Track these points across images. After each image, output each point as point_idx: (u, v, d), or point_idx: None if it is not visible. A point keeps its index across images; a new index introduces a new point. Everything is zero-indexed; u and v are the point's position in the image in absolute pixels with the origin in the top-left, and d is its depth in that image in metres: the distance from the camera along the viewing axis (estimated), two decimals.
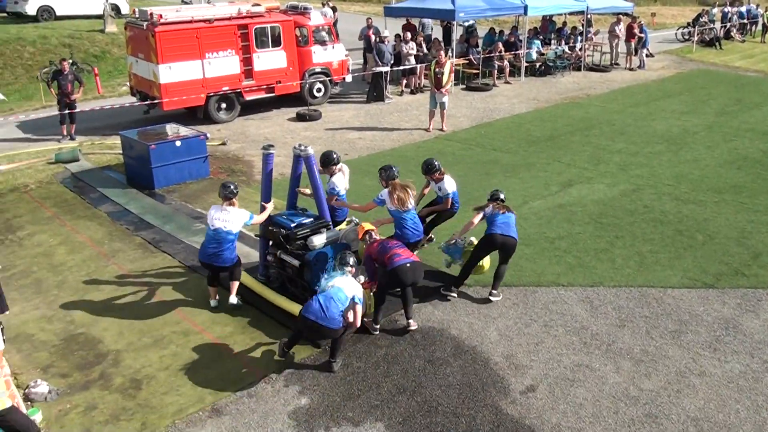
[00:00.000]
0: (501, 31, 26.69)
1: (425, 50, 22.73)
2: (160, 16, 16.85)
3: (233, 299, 8.73)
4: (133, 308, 9.01)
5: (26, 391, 7.24)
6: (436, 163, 10.03)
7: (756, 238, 10.99)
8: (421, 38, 23.28)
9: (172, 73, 16.94)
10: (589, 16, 28.25)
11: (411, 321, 8.33)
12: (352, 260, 7.86)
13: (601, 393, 7.21)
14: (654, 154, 15.56)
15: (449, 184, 10.07)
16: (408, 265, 8.10)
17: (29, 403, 7.08)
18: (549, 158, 15.22)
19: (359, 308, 7.53)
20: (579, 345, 8.06)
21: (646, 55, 28.80)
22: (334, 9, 29.06)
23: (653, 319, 8.63)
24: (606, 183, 13.61)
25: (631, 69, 27.45)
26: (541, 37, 27.35)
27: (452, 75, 17.83)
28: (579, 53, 27.47)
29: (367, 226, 8.85)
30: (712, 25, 36.37)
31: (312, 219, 8.98)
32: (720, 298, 9.17)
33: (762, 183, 13.68)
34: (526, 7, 23.96)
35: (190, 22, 17.26)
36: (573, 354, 7.88)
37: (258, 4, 19.09)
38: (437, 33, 27.52)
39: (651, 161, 15.04)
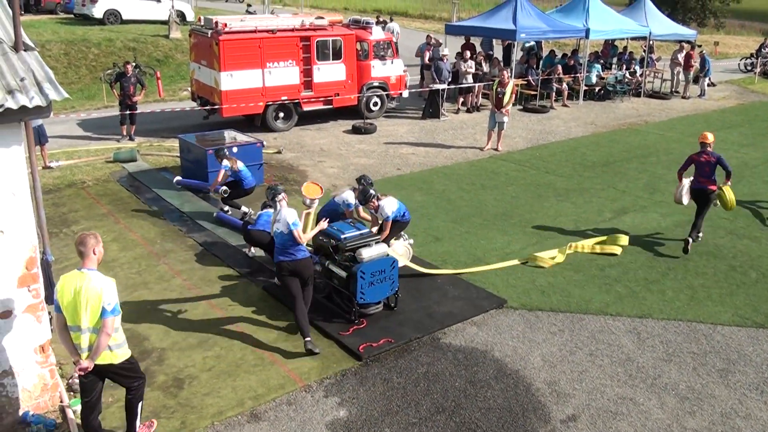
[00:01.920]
0: (564, 54, 26.50)
1: (484, 69, 22.72)
2: (225, 25, 17.23)
3: None
4: (181, 308, 9.19)
5: (70, 381, 7.41)
6: (372, 191, 10.01)
7: None
8: (481, 57, 23.28)
9: (233, 80, 17.27)
10: (651, 42, 27.92)
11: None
12: (279, 188, 9.29)
13: (644, 428, 7.07)
14: None
15: (388, 207, 9.95)
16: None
17: (72, 393, 7.26)
18: (603, 184, 15.04)
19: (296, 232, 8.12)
20: (624, 377, 7.93)
21: (708, 85, 28.29)
22: (384, 23, 29.20)
23: (701, 355, 8.44)
24: (660, 213, 13.39)
25: (684, 97, 26.99)
26: (601, 61, 27.10)
27: (513, 96, 17.78)
28: (639, 79, 27.13)
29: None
30: None
31: (362, 231, 9.04)
32: None
33: None
34: (588, 31, 23.82)
35: (254, 32, 17.59)
36: (617, 386, 7.75)
37: (321, 17, 19.38)
38: (497, 52, 27.48)
39: None
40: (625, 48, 29.45)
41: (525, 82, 23.59)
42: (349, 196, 10.39)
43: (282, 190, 9.40)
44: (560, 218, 12.85)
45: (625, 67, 27.22)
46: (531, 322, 9.04)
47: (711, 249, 11.64)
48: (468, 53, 22.82)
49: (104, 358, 6.04)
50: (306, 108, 18.89)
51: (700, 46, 31.09)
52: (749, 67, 35.60)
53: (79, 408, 6.82)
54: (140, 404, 6.53)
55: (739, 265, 11.06)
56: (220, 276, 10.18)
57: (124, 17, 31.79)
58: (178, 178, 13.60)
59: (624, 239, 11.58)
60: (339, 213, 10.28)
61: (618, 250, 11.29)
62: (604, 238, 11.66)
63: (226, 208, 12.31)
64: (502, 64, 23.31)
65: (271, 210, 9.39)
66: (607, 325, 9.05)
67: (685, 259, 11.13)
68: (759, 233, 12.50)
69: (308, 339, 8.11)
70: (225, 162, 12.09)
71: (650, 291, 10.04)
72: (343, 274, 8.74)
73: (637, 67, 27.27)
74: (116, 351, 6.12)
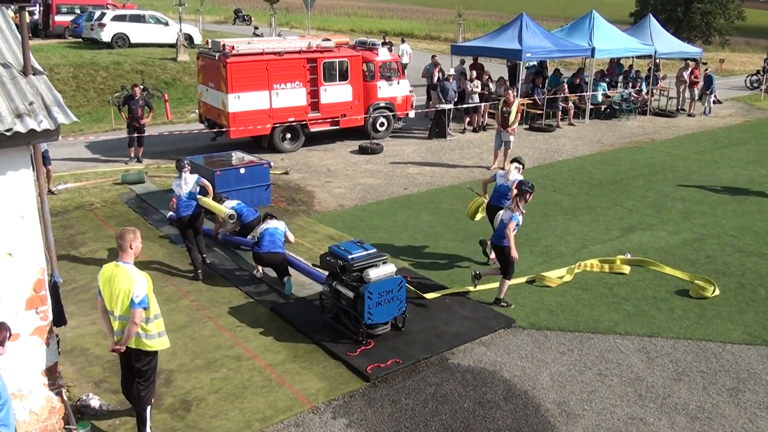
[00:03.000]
0: (574, 73, 26.58)
1: (490, 89, 22.80)
2: (232, 47, 17.37)
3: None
4: (188, 330, 9.19)
5: (77, 403, 7.41)
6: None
7: None
8: (487, 77, 23.37)
9: (240, 102, 17.39)
10: (657, 60, 27.99)
11: None
12: (184, 162, 10.93)
13: None
14: (718, 203, 15.20)
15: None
16: None
17: (80, 415, 7.25)
18: (610, 202, 15.03)
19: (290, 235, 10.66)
20: (634, 397, 7.87)
21: (714, 102, 28.30)
22: (390, 44, 29.36)
23: (711, 374, 8.37)
24: (668, 230, 13.35)
25: (691, 115, 27.02)
26: (607, 79, 27.16)
27: (519, 115, 17.82)
28: (645, 97, 27.16)
29: None
30: None
31: (369, 252, 9.03)
32: None
33: None
34: (593, 50, 23.90)
35: (261, 54, 17.72)
36: (627, 406, 7.70)
37: (328, 39, 19.52)
38: (503, 72, 27.60)
39: (715, 210, 14.69)
40: (631, 66, 29.51)
41: (531, 102, 23.65)
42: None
43: (186, 163, 11.01)
44: (567, 237, 12.83)
45: (630, 85, 27.28)
46: (539, 342, 9.00)
47: (720, 267, 11.59)
48: (474, 73, 22.93)
49: (133, 343, 6.62)
50: (313, 129, 18.98)
51: (705, 63, 31.15)
52: (755, 84, 35.64)
53: (87, 431, 6.87)
54: (149, 409, 6.96)
55: (748, 282, 11.00)
56: (228, 297, 10.19)
57: (132, 41, 32.11)
58: (171, 214, 13.22)
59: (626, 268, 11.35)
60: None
61: (626, 270, 11.24)
62: (613, 259, 11.55)
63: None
64: (507, 83, 23.38)
65: (273, 225, 10.52)
66: (616, 345, 9.00)
67: (694, 277, 11.07)
68: (766, 250, 12.44)
69: (199, 271, 10.81)
70: (182, 178, 11.12)
71: (659, 309, 9.99)
72: (351, 294, 8.73)
73: (643, 86, 27.32)
74: (146, 341, 6.64)
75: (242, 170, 13.76)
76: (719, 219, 14.14)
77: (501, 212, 10.23)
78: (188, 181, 10.82)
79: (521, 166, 11.66)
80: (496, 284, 10.27)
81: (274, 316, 9.55)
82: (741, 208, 14.95)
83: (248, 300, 10.09)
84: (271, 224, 10.52)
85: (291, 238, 10.74)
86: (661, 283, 10.89)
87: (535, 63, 26.40)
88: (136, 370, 6.75)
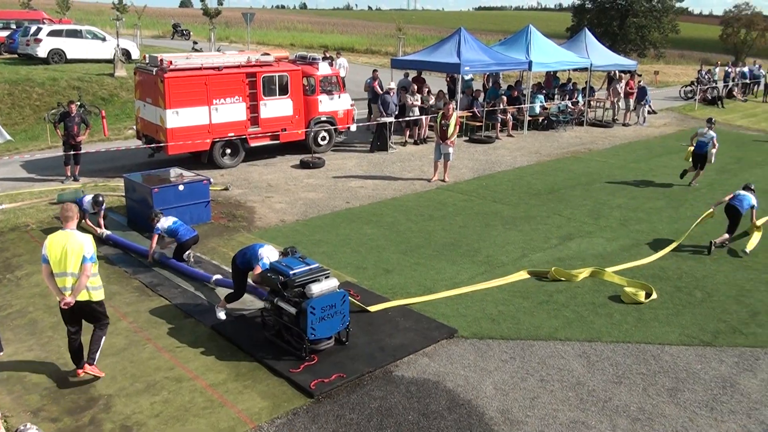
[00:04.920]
0: (509, 86, 27.05)
1: (430, 102, 23.01)
2: (170, 62, 17.14)
3: None
4: (127, 353, 8.96)
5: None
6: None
7: (754, 297, 10.95)
8: (427, 90, 23.59)
9: (178, 118, 17.16)
10: (613, 73, 28.80)
11: None
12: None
13: None
14: (654, 210, 15.61)
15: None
16: None
17: None
18: (549, 211, 15.28)
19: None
20: (575, 401, 7.97)
21: (649, 112, 29.14)
22: (330, 59, 29.43)
23: (650, 376, 8.55)
24: (606, 237, 13.63)
25: (625, 125, 27.78)
26: (544, 91, 27.72)
27: (458, 127, 18.02)
28: (582, 108, 27.79)
29: None
30: (714, 84, 36.91)
31: (311, 266, 8.96)
32: (717, 356, 9.10)
33: (762, 242, 13.66)
34: (530, 63, 24.40)
35: (200, 69, 17.55)
36: (569, 410, 7.79)
37: (267, 54, 19.44)
38: (441, 85, 27.89)
39: (651, 217, 15.09)
40: (569, 79, 30.19)
41: (470, 114, 23.96)
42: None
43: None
44: (508, 246, 12.97)
45: (567, 97, 27.88)
46: (482, 351, 9.05)
47: (656, 271, 11.87)
48: (415, 87, 23.13)
49: (83, 296, 7.92)
50: (253, 144, 18.84)
51: (640, 75, 32.10)
52: (689, 95, 36.88)
53: None
54: (103, 339, 8.36)
55: (684, 285, 11.30)
56: (167, 317, 9.97)
57: (69, 56, 31.46)
58: (108, 233, 13.21)
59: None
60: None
61: (642, 298, 10.73)
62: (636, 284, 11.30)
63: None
64: (447, 96, 23.63)
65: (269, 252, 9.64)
66: (557, 350, 9.12)
67: (632, 282, 11.31)
68: (702, 254, 12.80)
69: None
70: (158, 224, 11.73)
71: (598, 315, 10.17)
72: (293, 310, 8.64)
73: (580, 97, 27.96)
74: (92, 292, 8.02)
75: (181, 187, 13.55)
76: (655, 225, 14.51)
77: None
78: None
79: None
80: (436, 295, 10.34)
81: (214, 335, 9.39)
82: (676, 214, 15.38)
83: (188, 319, 9.89)
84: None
85: None
86: (599, 288, 11.10)
87: (473, 77, 26.81)
88: (92, 317, 8.18)
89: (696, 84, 36.82)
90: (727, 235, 13.24)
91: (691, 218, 14.99)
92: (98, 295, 8.11)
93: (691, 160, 18.26)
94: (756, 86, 41.53)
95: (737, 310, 10.47)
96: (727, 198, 13.60)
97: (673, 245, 13.12)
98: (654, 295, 10.76)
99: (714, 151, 18.22)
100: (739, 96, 39.25)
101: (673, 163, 20.77)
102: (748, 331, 9.80)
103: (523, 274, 11.49)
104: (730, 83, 38.91)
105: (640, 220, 14.81)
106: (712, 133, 17.89)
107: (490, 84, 27.74)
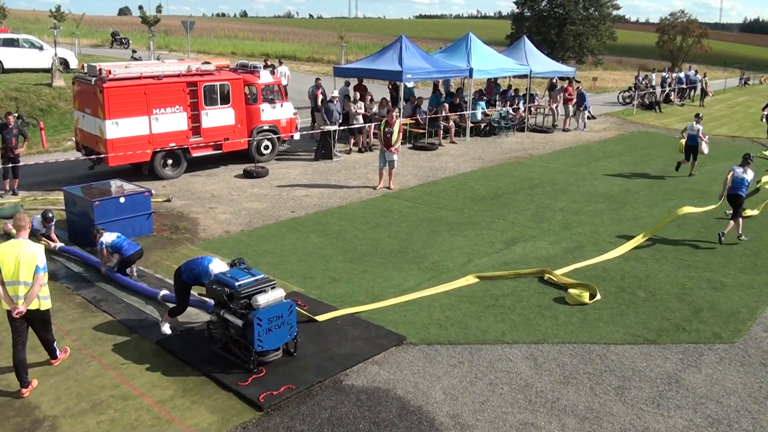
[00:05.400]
0: (451, 92, 27.32)
1: (374, 110, 23.09)
2: (109, 72, 16.81)
3: None
4: (71, 371, 8.70)
5: None
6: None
7: (696, 294, 11.26)
8: (370, 98, 23.65)
9: (118, 128, 16.83)
10: (561, 82, 29.38)
11: None
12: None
13: None
14: (596, 213, 15.94)
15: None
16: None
17: None
18: (493, 216, 15.45)
19: None
20: (524, 403, 8.06)
21: (588, 118, 29.78)
22: (272, 67, 29.29)
23: (597, 375, 8.70)
24: (549, 241, 13.85)
25: (565, 130, 28.38)
26: (485, 98, 28.09)
27: (401, 135, 18.09)
28: (522, 115, 28.24)
29: None
30: (652, 90, 37.97)
31: (257, 277, 8.86)
32: (662, 353, 9.32)
33: (701, 240, 14.08)
34: (471, 70, 24.70)
35: (139, 78, 17.24)
36: (518, 412, 7.87)
37: (208, 62, 19.23)
38: (384, 93, 28.00)
39: (593, 219, 15.39)
40: (509, 86, 30.65)
41: (413, 121, 24.10)
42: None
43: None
44: (453, 252, 13.06)
45: (508, 103, 28.30)
46: (431, 357, 9.08)
47: (599, 272, 12.10)
48: (358, 94, 23.17)
49: (34, 305, 8.09)
50: (195, 154, 18.59)
51: (579, 81, 32.83)
52: (627, 100, 37.89)
53: None
54: (54, 342, 8.70)
55: (627, 285, 11.55)
56: (112, 333, 9.72)
57: (6, 66, 30.50)
58: (61, 244, 12.92)
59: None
60: None
61: (586, 299, 10.94)
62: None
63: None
64: (390, 104, 23.74)
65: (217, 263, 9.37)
66: (504, 354, 9.21)
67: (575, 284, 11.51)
68: (644, 255, 13.12)
69: None
70: (101, 239, 11.51)
71: (543, 317, 10.31)
72: (240, 322, 8.52)
73: (521, 104, 28.41)
74: (42, 301, 8.20)
75: (122, 199, 13.26)
76: (597, 227, 14.81)
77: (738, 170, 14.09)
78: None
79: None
80: (384, 303, 10.37)
81: (160, 351, 9.19)
82: (617, 216, 15.73)
83: (133, 335, 9.66)
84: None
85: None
86: (544, 291, 11.26)
87: (413, 85, 27.03)
88: (40, 324, 8.37)
89: (634, 89, 37.86)
90: (732, 223, 14.05)
91: (631, 220, 15.35)
92: (47, 304, 8.31)
93: (684, 152, 20.38)
94: (693, 91, 42.92)
95: (680, 307, 10.76)
96: (727, 186, 14.11)
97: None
98: (598, 296, 10.96)
99: (705, 142, 20.41)
100: (677, 100, 40.51)
101: (613, 166, 21.28)
102: (691, 327, 10.07)
103: (470, 279, 11.58)
104: (667, 88, 40.09)
105: (582, 223, 15.09)
106: (699, 126, 20.04)
107: (444, 91, 27.98)
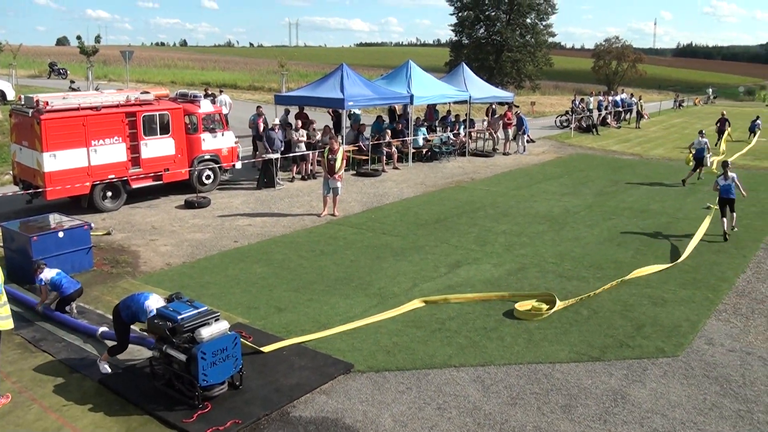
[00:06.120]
0: (393, 118, 27.58)
1: (317, 137, 23.13)
2: (47, 103, 16.49)
3: None
4: (11, 416, 8.36)
5: None
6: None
7: (638, 311, 11.52)
8: (312, 125, 23.70)
9: (56, 161, 16.48)
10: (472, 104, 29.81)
11: None
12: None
13: None
14: (537, 234, 16.20)
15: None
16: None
17: None
18: (437, 240, 15.56)
19: None
20: (473, 426, 8.08)
21: (528, 141, 30.39)
22: (213, 96, 29.14)
23: (543, 395, 8.79)
24: (492, 263, 14.01)
25: (506, 154, 28.91)
26: (426, 124, 28.43)
27: (344, 161, 18.14)
28: (463, 139, 28.64)
29: None
30: (589, 113, 39.02)
31: (200, 310, 8.72)
32: (607, 370, 9.47)
33: (641, 258, 14.45)
34: (412, 97, 24.99)
35: (77, 109, 16.96)
36: None
37: (147, 92, 19.01)
38: (326, 120, 28.09)
39: (534, 241, 15.64)
40: (449, 111, 31.09)
41: (356, 148, 24.21)
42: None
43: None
44: (399, 277, 13.10)
45: (449, 129, 28.69)
46: (379, 384, 9.05)
47: (543, 293, 12.26)
48: (300, 122, 23.19)
49: None
50: (135, 185, 18.29)
51: (517, 106, 33.55)
52: (565, 123, 38.85)
53: None
54: None
55: (570, 304, 11.72)
56: (52, 373, 9.40)
57: None
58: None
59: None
60: None
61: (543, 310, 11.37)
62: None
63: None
64: (333, 131, 23.81)
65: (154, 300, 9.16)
66: (452, 377, 9.24)
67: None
68: (585, 273, 13.37)
69: None
70: (41, 275, 11.16)
71: (490, 339, 10.39)
72: (183, 357, 8.35)
73: (461, 129, 28.83)
74: (1, 321, 8.34)
75: (61, 234, 12.93)
76: (539, 248, 15.04)
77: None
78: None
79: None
80: (331, 331, 10.32)
81: (102, 390, 8.93)
82: (558, 237, 16.01)
83: (74, 374, 9.36)
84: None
85: None
86: (489, 313, 11.36)
87: (358, 112, 27.21)
88: None
89: (571, 113, 38.83)
90: (725, 220, 16.22)
91: (572, 240, 15.65)
92: (4, 325, 8.51)
93: (692, 164, 23.64)
94: (629, 113, 44.27)
95: (623, 324, 10.97)
96: (718, 187, 16.44)
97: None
98: (558, 303, 11.22)
99: (709, 155, 24.34)
100: (613, 123, 41.68)
101: (552, 188, 21.70)
102: (635, 343, 10.27)
103: (415, 303, 11.61)
104: (604, 111, 41.22)
105: (524, 245, 15.32)
106: (705, 140, 23.58)
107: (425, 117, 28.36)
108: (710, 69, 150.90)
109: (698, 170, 23.62)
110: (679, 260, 14.22)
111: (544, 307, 11.23)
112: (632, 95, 47.24)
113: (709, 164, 24.46)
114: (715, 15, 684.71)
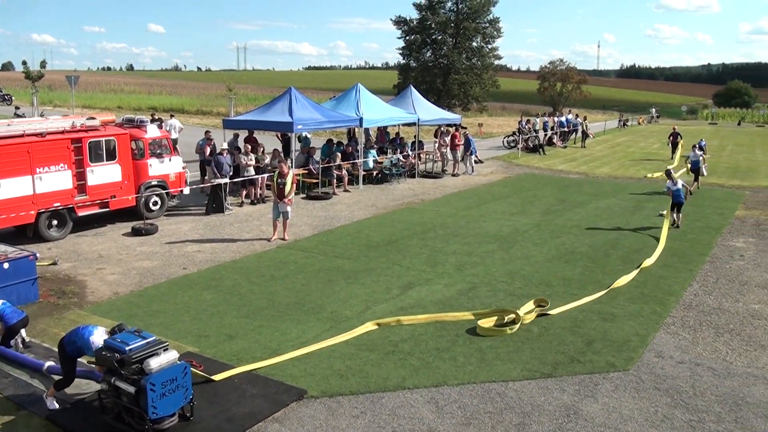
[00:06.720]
0: (339, 142, 27.67)
1: (266, 161, 23.03)
2: None
3: None
4: None
5: None
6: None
7: (588, 326, 11.70)
8: (261, 149, 23.62)
9: (0, 190, 16.07)
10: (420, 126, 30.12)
11: None
12: None
13: None
14: (487, 253, 16.37)
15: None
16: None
17: None
18: (389, 262, 15.60)
19: None
20: None
21: (475, 162, 30.77)
22: (160, 121, 28.86)
23: (497, 414, 8.84)
24: (443, 283, 14.09)
25: (455, 175, 29.27)
26: (376, 146, 28.60)
27: (294, 185, 18.11)
28: (413, 161, 28.87)
29: None
30: (535, 134, 39.74)
31: (149, 340, 8.55)
32: (559, 386, 9.58)
33: (589, 274, 14.71)
34: (361, 119, 25.15)
35: (21, 136, 16.60)
36: None
37: (93, 118, 18.72)
38: (275, 144, 28.04)
39: (485, 260, 15.80)
40: (398, 134, 31.34)
41: (306, 171, 24.20)
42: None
43: None
44: (351, 300, 13.08)
45: (399, 151, 28.91)
46: (333, 409, 8.99)
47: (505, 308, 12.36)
48: (248, 146, 23.08)
49: None
50: (81, 213, 17.93)
51: (465, 128, 33.98)
52: (512, 144, 39.48)
53: None
54: None
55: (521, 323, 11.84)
56: None
57: None
58: None
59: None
60: None
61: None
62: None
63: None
64: (282, 155, 23.77)
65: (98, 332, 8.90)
66: (406, 400, 9.23)
67: (471, 324, 11.72)
68: (536, 291, 13.55)
69: None
70: None
71: (442, 359, 10.43)
72: (132, 389, 8.15)
73: (410, 151, 29.08)
74: None
75: (6, 265, 12.56)
76: (489, 267, 15.20)
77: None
78: None
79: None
80: (283, 357, 10.23)
81: (50, 426, 8.67)
82: (508, 256, 16.20)
83: (21, 411, 9.06)
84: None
85: None
86: (442, 333, 11.41)
87: (307, 135, 27.26)
88: None
89: (518, 134, 39.49)
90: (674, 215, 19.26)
91: (522, 258, 15.85)
92: None
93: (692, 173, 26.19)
94: (574, 133, 45.24)
95: (573, 340, 11.14)
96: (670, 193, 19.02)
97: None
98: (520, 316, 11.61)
99: (704, 166, 26.88)
100: (559, 143, 42.54)
101: (501, 208, 21.98)
102: (585, 359, 10.43)
103: (368, 326, 11.60)
104: (549, 132, 42.02)
105: (475, 264, 15.46)
106: (700, 153, 26.22)
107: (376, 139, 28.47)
108: (653, 89, 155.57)
109: (694, 181, 25.74)
110: (647, 264, 15.47)
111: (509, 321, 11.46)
112: (577, 116, 48.31)
113: (705, 173, 27.23)
114: (657, 37, 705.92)
